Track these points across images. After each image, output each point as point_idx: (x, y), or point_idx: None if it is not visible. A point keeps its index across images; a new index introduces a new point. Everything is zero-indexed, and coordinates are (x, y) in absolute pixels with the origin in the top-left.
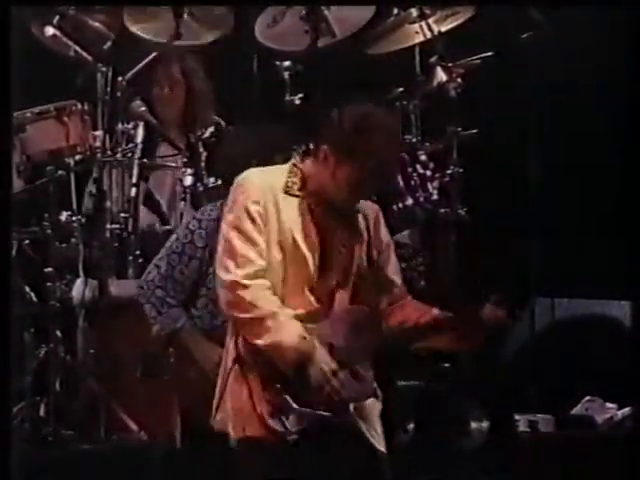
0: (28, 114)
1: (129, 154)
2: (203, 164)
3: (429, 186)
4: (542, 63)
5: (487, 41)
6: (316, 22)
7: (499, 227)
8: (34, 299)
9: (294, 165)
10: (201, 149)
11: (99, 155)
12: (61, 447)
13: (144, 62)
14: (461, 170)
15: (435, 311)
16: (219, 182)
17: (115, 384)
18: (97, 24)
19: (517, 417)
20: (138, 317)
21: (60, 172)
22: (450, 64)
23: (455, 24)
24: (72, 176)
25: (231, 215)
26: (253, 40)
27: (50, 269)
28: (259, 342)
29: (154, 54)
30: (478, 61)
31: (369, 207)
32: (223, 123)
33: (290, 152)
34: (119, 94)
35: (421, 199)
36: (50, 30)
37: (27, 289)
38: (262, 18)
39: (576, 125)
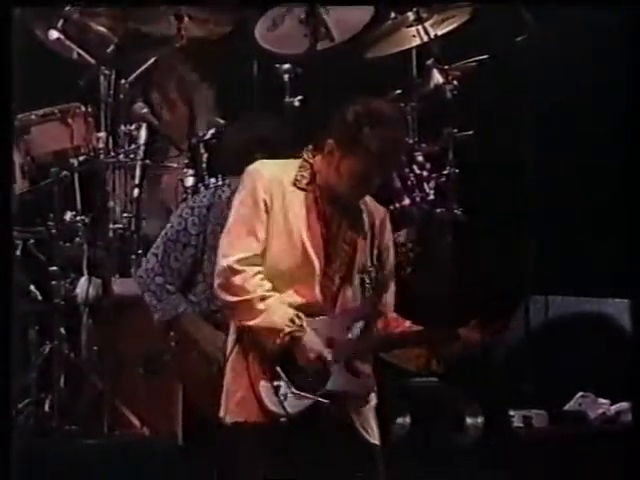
0: (33, 116)
1: (132, 155)
2: (204, 165)
3: (426, 186)
4: (536, 66)
5: (482, 44)
6: (315, 26)
7: (494, 226)
8: (39, 297)
9: (305, 160)
10: (202, 150)
11: (102, 156)
12: (65, 442)
13: (146, 65)
14: (457, 171)
15: (407, 323)
16: (219, 182)
17: (118, 380)
18: (100, 28)
19: (512, 413)
20: (141, 315)
21: (64, 173)
22: (446, 67)
23: (451, 28)
24: (76, 177)
25: (237, 201)
26: (253, 43)
27: (55, 268)
28: (249, 323)
29: (156, 57)
30: (473, 64)
31: (378, 209)
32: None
33: (279, 146)
34: (122, 96)
35: (418, 199)
36: (54, 34)
37: (32, 287)
38: (262, 22)
39: (570, 125)
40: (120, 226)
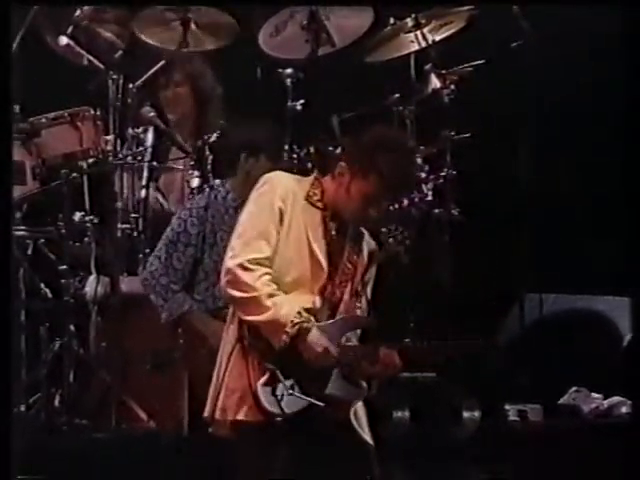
0: (43, 119)
1: (139, 157)
2: (209, 167)
3: (424, 187)
4: (531, 70)
5: (479, 49)
6: (316, 32)
7: (490, 226)
8: (49, 295)
9: (316, 178)
10: (207, 152)
11: (111, 158)
12: (74, 436)
13: (153, 70)
14: (454, 172)
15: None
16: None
17: (126, 376)
18: (108, 34)
19: (507, 407)
20: (147, 312)
21: (74, 174)
22: (444, 71)
23: (449, 33)
24: (85, 178)
25: (252, 205)
26: (257, 49)
27: (64, 267)
28: (256, 318)
29: (162, 62)
30: (470, 68)
31: (371, 242)
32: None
33: (275, 147)
34: (130, 100)
35: (416, 200)
36: (64, 40)
37: (42, 286)
38: (265, 28)
39: (567, 127)
40: (127, 226)
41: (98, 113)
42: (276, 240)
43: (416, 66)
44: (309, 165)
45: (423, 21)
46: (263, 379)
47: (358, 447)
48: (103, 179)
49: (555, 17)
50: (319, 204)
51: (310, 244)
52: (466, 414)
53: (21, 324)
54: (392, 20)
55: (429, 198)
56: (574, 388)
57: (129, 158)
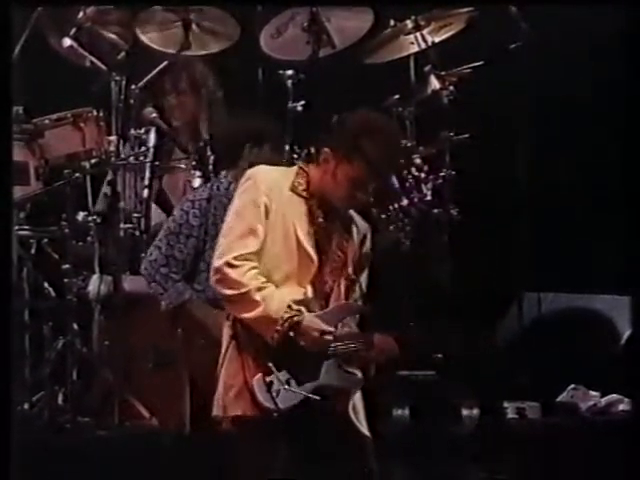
0: (46, 120)
1: (141, 158)
2: (211, 167)
3: (423, 187)
4: (530, 71)
5: (478, 51)
6: (317, 33)
7: (490, 226)
8: (52, 294)
9: (300, 168)
10: (209, 153)
11: (113, 159)
12: (78, 433)
13: (155, 71)
14: (454, 172)
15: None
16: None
17: (128, 374)
18: (111, 35)
19: (506, 404)
20: (150, 311)
21: (77, 175)
22: (443, 73)
23: (448, 35)
24: (88, 178)
25: (237, 202)
26: (258, 50)
27: (67, 266)
28: (248, 315)
29: (165, 63)
30: (470, 70)
31: (363, 224)
32: None
33: (268, 138)
34: (132, 101)
35: (415, 200)
36: (67, 41)
37: (46, 285)
38: (266, 30)
39: (567, 128)
40: (130, 225)
41: (101, 114)
42: (263, 235)
43: (416, 67)
44: None
45: (423, 23)
46: (259, 375)
47: (356, 440)
48: (105, 179)
49: (555, 17)
50: (304, 193)
51: (298, 237)
52: (465, 412)
53: (25, 323)
54: (392, 22)
55: (428, 198)
56: (572, 386)
57: (131, 158)
